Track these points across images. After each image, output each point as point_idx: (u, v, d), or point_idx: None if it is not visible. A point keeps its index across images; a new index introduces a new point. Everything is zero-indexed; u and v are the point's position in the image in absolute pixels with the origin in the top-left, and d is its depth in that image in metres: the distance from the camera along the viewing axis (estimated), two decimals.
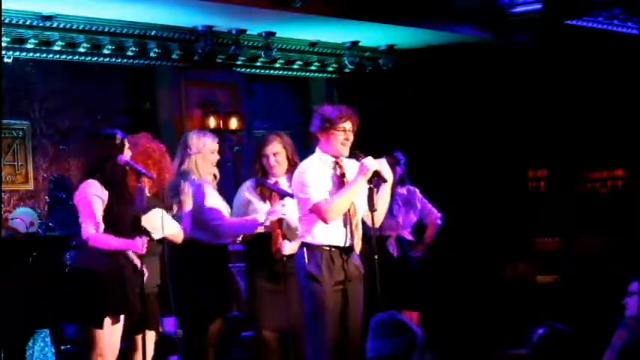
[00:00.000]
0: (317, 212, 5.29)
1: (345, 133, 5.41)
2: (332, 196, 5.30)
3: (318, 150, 5.48)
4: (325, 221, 5.29)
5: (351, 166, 5.51)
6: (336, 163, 5.45)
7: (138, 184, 5.50)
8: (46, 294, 6.11)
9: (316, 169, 5.39)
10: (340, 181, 5.43)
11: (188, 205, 5.64)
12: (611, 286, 5.40)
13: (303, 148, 7.01)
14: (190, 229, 5.66)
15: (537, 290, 8.97)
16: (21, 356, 6.19)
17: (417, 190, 7.48)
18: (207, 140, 5.77)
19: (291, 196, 5.60)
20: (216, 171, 5.88)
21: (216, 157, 5.82)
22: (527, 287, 9.05)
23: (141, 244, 5.42)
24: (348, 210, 5.40)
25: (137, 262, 5.45)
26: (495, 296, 8.84)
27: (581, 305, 8.15)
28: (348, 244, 5.40)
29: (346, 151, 5.43)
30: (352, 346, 5.24)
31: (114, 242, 5.40)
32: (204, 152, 5.74)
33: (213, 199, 5.71)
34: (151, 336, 5.83)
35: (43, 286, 6.14)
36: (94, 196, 5.30)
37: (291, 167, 5.89)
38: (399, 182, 7.40)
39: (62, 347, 6.37)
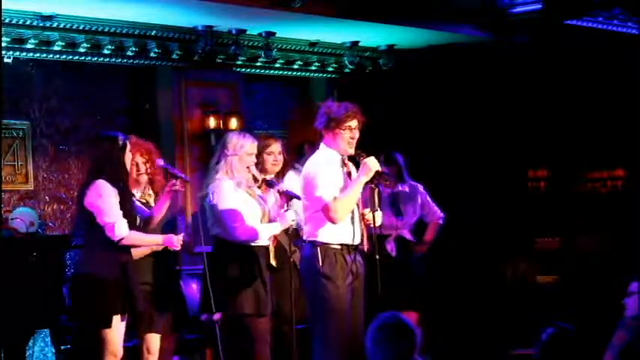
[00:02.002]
0: (326, 212, 5.29)
1: (351, 131, 5.43)
2: (339, 196, 5.31)
3: (323, 146, 5.48)
4: (333, 221, 5.31)
5: (352, 167, 5.55)
6: (342, 161, 5.48)
7: (174, 187, 5.60)
8: (46, 294, 6.12)
9: (327, 167, 5.39)
10: (347, 179, 5.45)
11: (220, 205, 5.65)
12: (611, 286, 5.40)
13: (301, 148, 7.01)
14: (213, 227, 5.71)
15: (537, 290, 8.97)
16: (21, 356, 6.20)
17: (420, 186, 7.45)
18: (245, 142, 5.75)
19: (299, 197, 5.61)
20: (253, 173, 5.85)
21: (253, 159, 5.80)
22: (528, 287, 9.05)
23: (176, 240, 5.50)
24: (357, 207, 5.42)
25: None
26: (495, 296, 8.84)
27: (581, 305, 8.15)
28: (357, 242, 5.42)
29: (352, 149, 5.45)
30: (357, 344, 5.24)
31: (148, 239, 5.50)
32: (240, 154, 5.73)
33: (236, 200, 5.69)
34: (155, 337, 5.85)
35: (43, 286, 6.14)
36: (111, 196, 5.34)
37: (283, 167, 6.13)
38: (398, 181, 7.39)
39: (62, 347, 6.38)
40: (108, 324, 5.33)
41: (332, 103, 5.56)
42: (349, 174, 5.47)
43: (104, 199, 5.34)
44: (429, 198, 7.47)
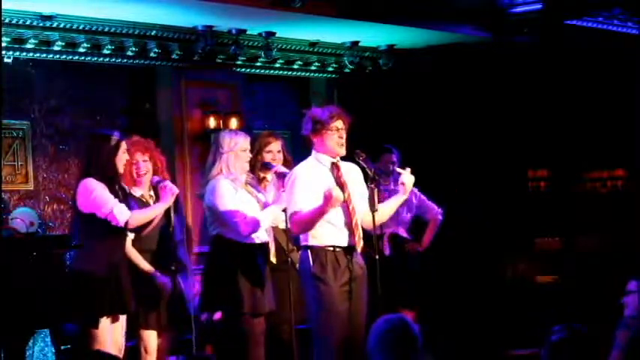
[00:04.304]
0: (291, 221, 5.38)
1: (338, 131, 5.46)
2: (303, 211, 5.33)
3: (313, 152, 5.52)
4: (293, 231, 5.49)
5: (347, 168, 5.55)
6: (333, 164, 5.48)
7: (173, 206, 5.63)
8: (46, 294, 6.11)
9: (309, 173, 5.42)
10: (338, 183, 5.46)
11: (220, 204, 5.64)
12: (611, 286, 5.40)
13: (302, 149, 7.02)
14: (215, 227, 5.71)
15: (537, 290, 8.97)
16: (21, 356, 6.19)
17: (414, 188, 7.42)
18: (239, 139, 5.80)
19: None
20: (247, 169, 5.88)
21: (248, 155, 5.83)
22: (528, 287, 9.05)
23: (170, 195, 5.48)
24: (349, 210, 5.42)
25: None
26: (495, 296, 8.83)
27: (581, 305, 8.14)
28: (350, 244, 5.43)
29: (343, 150, 5.49)
30: (357, 345, 5.25)
31: (152, 210, 5.56)
32: (235, 151, 5.75)
33: (235, 197, 5.68)
34: (150, 334, 5.85)
35: (43, 286, 6.13)
36: (99, 188, 5.34)
37: (285, 165, 6.10)
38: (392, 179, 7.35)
39: (62, 347, 6.37)
40: (95, 324, 5.31)
41: (315, 108, 5.64)
42: (339, 178, 5.48)
43: (94, 193, 5.33)
44: (423, 197, 7.45)
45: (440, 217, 7.43)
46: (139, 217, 5.45)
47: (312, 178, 5.42)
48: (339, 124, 5.46)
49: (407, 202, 7.35)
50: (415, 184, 7.49)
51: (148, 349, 5.87)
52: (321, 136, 5.47)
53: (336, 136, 5.46)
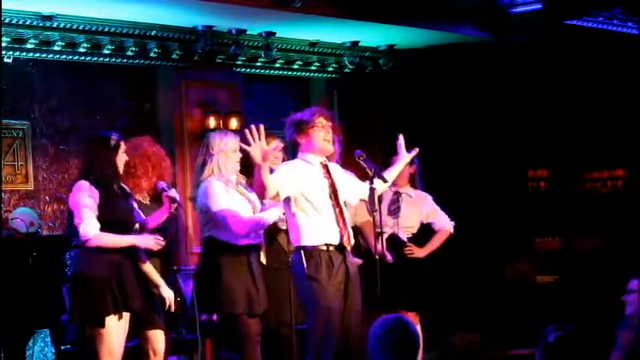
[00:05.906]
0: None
1: (324, 128, 5.44)
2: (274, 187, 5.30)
3: (300, 154, 5.50)
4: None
5: (333, 167, 5.54)
6: (321, 164, 5.47)
7: (174, 211, 5.58)
8: (46, 294, 6.11)
9: (290, 169, 5.41)
10: (330, 184, 5.45)
11: (213, 205, 5.64)
12: (612, 286, 5.40)
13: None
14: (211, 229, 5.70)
15: (537, 290, 8.97)
16: (21, 356, 6.20)
17: (428, 197, 7.31)
18: (229, 140, 5.78)
19: None
20: (238, 169, 5.87)
21: (239, 155, 5.80)
22: (528, 287, 9.06)
23: (153, 241, 5.43)
24: (337, 206, 5.42)
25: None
26: (495, 296, 8.84)
27: (581, 305, 8.15)
28: (341, 242, 5.42)
29: (330, 147, 5.46)
30: (352, 346, 5.25)
31: (119, 239, 5.39)
32: (226, 151, 5.74)
33: (228, 198, 5.68)
34: (158, 335, 5.83)
35: (43, 286, 6.14)
36: (86, 196, 5.30)
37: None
38: (408, 183, 7.31)
39: (62, 347, 6.37)
40: (101, 324, 5.30)
41: (295, 113, 5.62)
42: (328, 176, 5.46)
43: (77, 198, 5.31)
44: (437, 207, 7.31)
45: (451, 229, 7.23)
46: (102, 240, 5.31)
47: (294, 168, 5.41)
48: (322, 121, 5.46)
49: (415, 211, 7.28)
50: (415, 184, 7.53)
51: (156, 350, 5.80)
52: (307, 135, 5.45)
53: (322, 132, 5.45)
